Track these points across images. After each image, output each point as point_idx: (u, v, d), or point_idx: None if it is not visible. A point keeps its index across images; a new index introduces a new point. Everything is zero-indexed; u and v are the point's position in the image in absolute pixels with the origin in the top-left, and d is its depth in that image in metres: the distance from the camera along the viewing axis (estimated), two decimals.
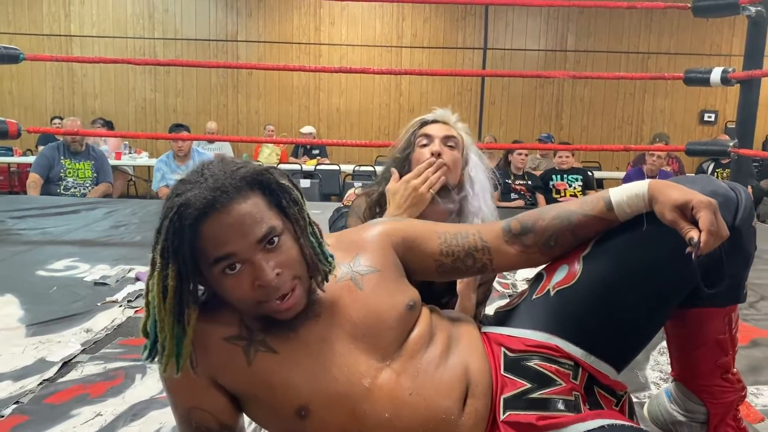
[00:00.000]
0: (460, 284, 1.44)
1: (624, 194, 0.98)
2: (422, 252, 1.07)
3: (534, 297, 1.06)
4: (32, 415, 1.41)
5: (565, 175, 5.22)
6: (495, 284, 2.30)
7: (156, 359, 0.92)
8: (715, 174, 5.66)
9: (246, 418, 1.04)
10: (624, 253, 0.99)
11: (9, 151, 6.72)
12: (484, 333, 1.09)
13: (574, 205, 1.03)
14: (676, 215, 0.91)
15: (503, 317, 1.10)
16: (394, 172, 1.53)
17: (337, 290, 0.99)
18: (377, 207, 1.58)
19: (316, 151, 7.30)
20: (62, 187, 4.51)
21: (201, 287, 0.95)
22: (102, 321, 2.00)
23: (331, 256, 0.98)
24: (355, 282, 1.00)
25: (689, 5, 3.66)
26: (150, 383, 1.58)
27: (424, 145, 1.57)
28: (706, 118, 8.55)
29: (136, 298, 2.24)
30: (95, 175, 4.63)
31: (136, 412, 1.44)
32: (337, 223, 1.94)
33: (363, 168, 6.58)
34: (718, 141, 4.39)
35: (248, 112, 8.50)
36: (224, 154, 1.00)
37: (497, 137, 7.77)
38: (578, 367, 0.99)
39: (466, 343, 1.04)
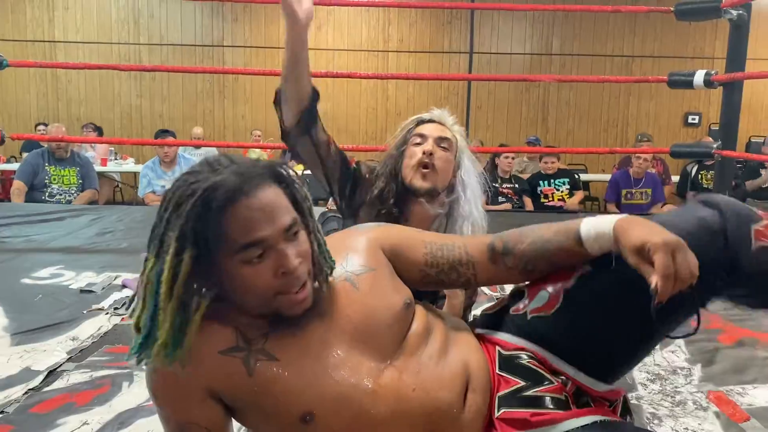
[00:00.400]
0: None
1: (593, 230, 0.96)
2: (408, 260, 1.06)
3: (512, 312, 1.07)
4: (17, 425, 1.40)
5: (552, 180, 5.25)
6: (483, 288, 2.31)
7: (145, 355, 0.89)
8: (699, 176, 5.70)
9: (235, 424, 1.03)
10: (606, 294, 0.98)
11: None
12: (477, 333, 1.10)
13: (550, 233, 1.02)
14: (637, 259, 0.89)
15: (492, 321, 1.10)
16: None
17: (334, 291, 0.99)
18: (378, 202, 1.58)
19: None
20: (47, 194, 4.47)
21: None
22: (88, 329, 1.98)
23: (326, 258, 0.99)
24: (351, 282, 0.99)
25: (672, 9, 3.70)
26: (137, 391, 1.57)
27: (418, 144, 1.58)
28: (690, 120, 8.63)
29: (123, 305, 2.22)
30: (80, 181, 4.59)
31: (123, 420, 1.43)
32: (326, 226, 1.93)
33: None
34: (702, 143, 4.44)
35: (234, 117, 8.47)
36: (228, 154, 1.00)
37: (484, 141, 7.79)
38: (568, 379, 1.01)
39: (463, 340, 1.05)
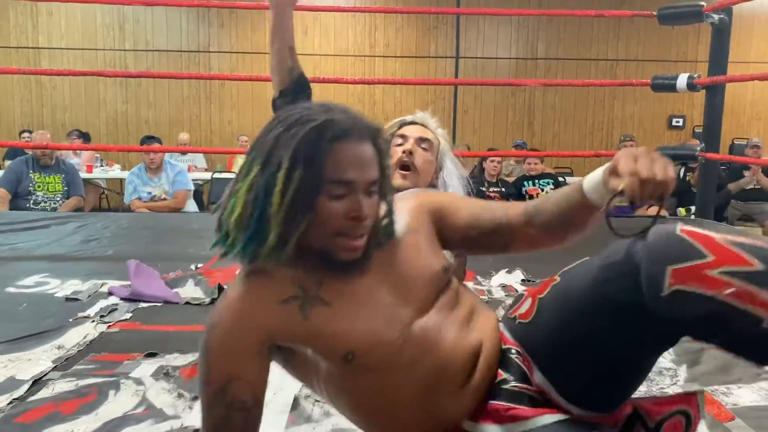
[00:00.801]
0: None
1: (591, 178, 0.98)
2: (452, 221, 1.12)
3: (509, 313, 1.11)
4: None
5: (536, 181, 5.29)
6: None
7: (248, 253, 0.97)
8: (686, 177, 5.76)
9: None
10: (575, 309, 0.97)
11: None
12: None
13: (567, 189, 1.05)
14: (611, 178, 0.91)
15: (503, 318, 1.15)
16: None
17: (382, 247, 1.06)
18: None
19: None
20: (32, 201, 4.44)
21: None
22: (74, 337, 1.97)
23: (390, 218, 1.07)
24: (397, 240, 1.07)
25: (655, 13, 3.74)
26: (123, 399, 1.56)
27: (399, 144, 1.60)
28: (674, 123, 8.72)
29: (109, 312, 2.21)
30: (66, 188, 4.56)
31: (109, 429, 1.42)
32: None
33: None
34: (686, 145, 4.48)
35: (221, 122, 8.45)
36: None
37: (471, 145, 7.83)
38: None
39: (485, 319, 1.09)
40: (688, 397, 1.05)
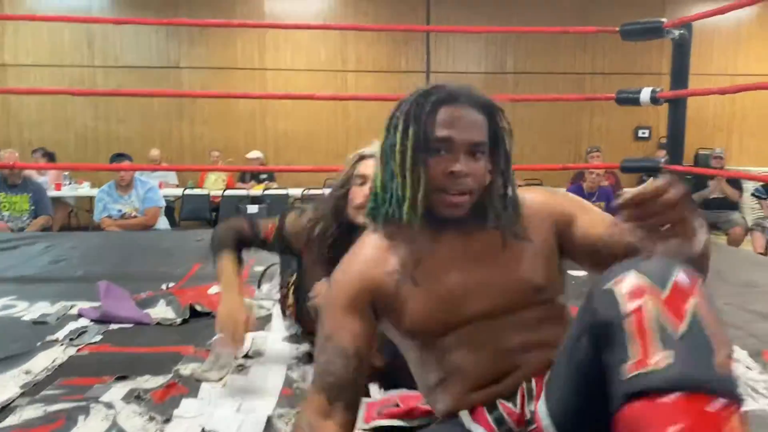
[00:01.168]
0: None
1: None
2: (581, 236, 1.13)
3: None
4: None
5: None
6: None
7: (393, 212, 1.10)
8: None
9: None
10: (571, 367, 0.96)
11: None
12: None
13: None
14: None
15: None
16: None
17: (489, 241, 1.12)
18: (319, 242, 1.63)
19: (264, 176, 7.26)
20: None
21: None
22: (42, 361, 1.94)
23: (513, 208, 1.13)
24: (506, 241, 1.12)
25: (618, 29, 3.83)
26: (93, 424, 1.54)
27: (361, 184, 1.61)
28: (640, 135, 8.90)
29: (78, 335, 2.18)
30: (33, 207, 4.50)
31: None
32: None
33: (312, 191, 6.58)
34: (650, 158, 4.58)
35: (193, 137, 8.40)
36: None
37: None
38: None
39: (538, 357, 1.09)
40: None
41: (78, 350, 2.05)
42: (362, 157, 1.67)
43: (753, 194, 6.25)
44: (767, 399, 1.67)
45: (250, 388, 1.71)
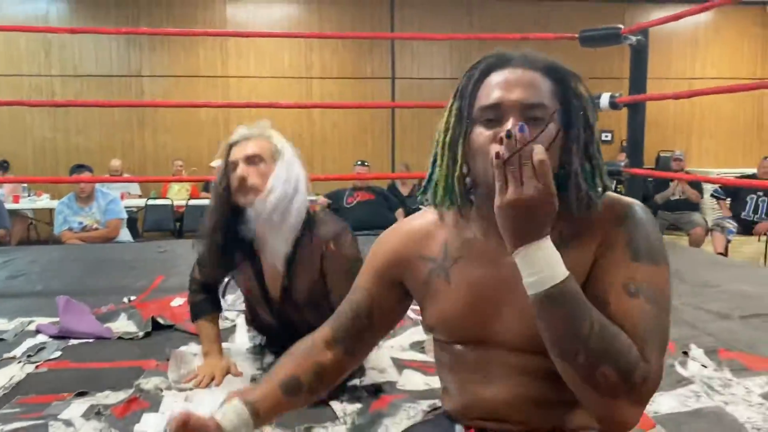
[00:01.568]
0: None
1: None
2: (593, 286, 0.90)
3: None
4: None
5: None
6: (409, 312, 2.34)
7: (430, 197, 0.99)
8: (617, 190, 5.98)
9: None
10: None
11: None
12: None
13: None
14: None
15: None
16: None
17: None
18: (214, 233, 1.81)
19: None
20: None
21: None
22: None
23: (601, 189, 0.93)
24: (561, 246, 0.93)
25: (577, 36, 3.91)
26: None
27: (234, 170, 1.74)
28: (603, 138, 9.07)
29: (37, 352, 2.13)
30: None
31: None
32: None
33: None
34: (612, 162, 4.65)
35: (155, 147, 8.27)
36: None
37: (410, 164, 7.92)
38: None
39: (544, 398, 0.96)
40: None
41: (36, 367, 2.00)
42: (231, 146, 1.78)
43: (712, 195, 6.41)
44: (723, 396, 1.71)
45: (213, 400, 1.69)
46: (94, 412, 1.65)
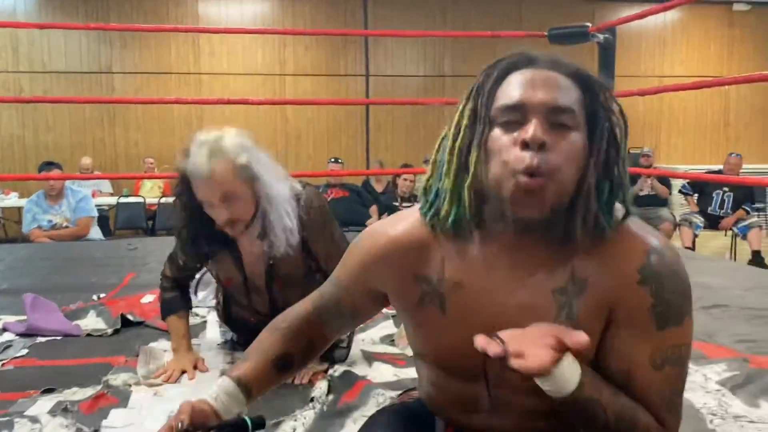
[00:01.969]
0: None
1: None
2: (624, 348, 0.84)
3: None
4: None
5: None
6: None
7: (432, 216, 0.88)
8: None
9: None
10: None
11: None
12: None
13: None
14: None
15: None
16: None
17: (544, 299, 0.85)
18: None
19: None
20: None
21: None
22: None
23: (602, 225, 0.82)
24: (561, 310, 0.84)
25: (546, 34, 3.96)
26: None
27: (209, 208, 1.71)
28: None
29: (3, 350, 2.11)
30: None
31: None
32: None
33: None
34: None
35: (127, 144, 8.16)
36: None
37: (384, 162, 7.94)
38: None
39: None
40: None
41: (2, 365, 1.98)
42: (199, 183, 1.70)
43: (680, 191, 6.55)
44: (693, 393, 1.76)
45: (182, 396, 1.69)
46: (60, 409, 1.64)
